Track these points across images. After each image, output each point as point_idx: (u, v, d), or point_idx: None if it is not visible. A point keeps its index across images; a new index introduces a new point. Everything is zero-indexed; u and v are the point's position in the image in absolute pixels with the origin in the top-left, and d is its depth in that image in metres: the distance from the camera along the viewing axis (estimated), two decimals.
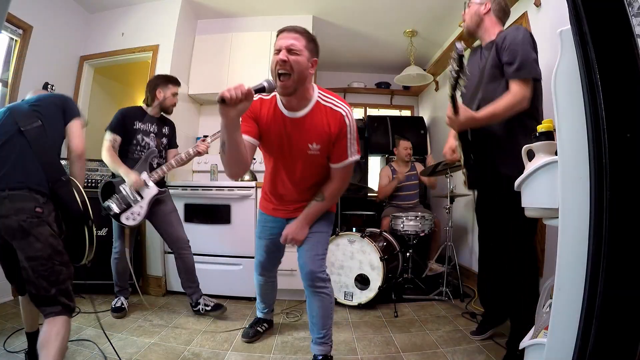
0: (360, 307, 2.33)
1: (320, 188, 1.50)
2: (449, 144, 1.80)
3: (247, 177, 2.85)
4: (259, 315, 1.95)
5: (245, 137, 1.33)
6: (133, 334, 1.87)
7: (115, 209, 2.00)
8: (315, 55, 1.33)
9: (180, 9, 2.90)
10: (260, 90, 1.14)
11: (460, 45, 1.24)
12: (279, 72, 1.24)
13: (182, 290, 2.52)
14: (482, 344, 1.76)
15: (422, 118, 4.21)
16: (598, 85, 0.62)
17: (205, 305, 2.16)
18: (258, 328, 1.90)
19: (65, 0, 2.81)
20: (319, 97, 1.37)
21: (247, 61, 3.08)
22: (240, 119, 1.23)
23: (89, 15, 3.04)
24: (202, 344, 1.79)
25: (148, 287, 2.57)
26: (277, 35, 1.32)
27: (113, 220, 2.07)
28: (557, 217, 0.77)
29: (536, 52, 1.44)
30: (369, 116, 4.13)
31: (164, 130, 2.26)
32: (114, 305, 2.14)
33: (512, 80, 1.42)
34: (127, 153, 2.11)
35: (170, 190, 2.57)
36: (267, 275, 1.81)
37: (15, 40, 2.44)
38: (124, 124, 2.10)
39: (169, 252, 2.58)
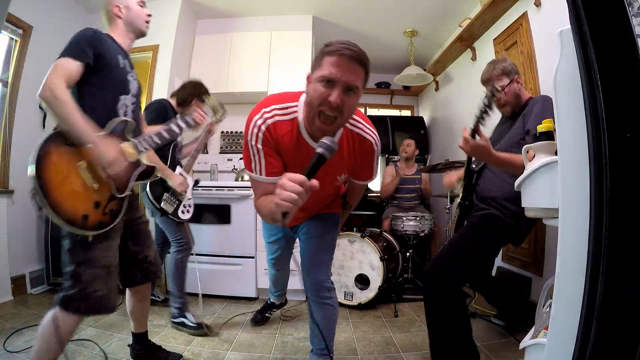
0: (360, 307, 2.33)
1: (345, 199, 1.50)
2: (450, 177, 1.84)
3: (247, 176, 2.85)
4: (272, 299, 2.05)
5: (275, 179, 1.02)
6: None
7: (169, 208, 1.96)
8: (364, 87, 1.06)
9: (180, 9, 2.90)
10: (319, 164, 0.86)
11: (499, 87, 1.30)
12: (325, 112, 0.98)
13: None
14: (482, 344, 1.76)
15: (422, 118, 4.21)
16: (598, 85, 0.62)
17: (191, 320, 1.99)
18: (267, 314, 2.05)
19: (65, 0, 2.81)
20: (347, 124, 1.16)
21: (247, 61, 3.08)
22: (265, 154, 1.08)
23: (89, 15, 3.04)
24: (202, 344, 1.79)
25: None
26: (331, 54, 0.97)
27: (164, 221, 2.02)
28: (557, 217, 0.77)
29: None
30: (369, 116, 4.12)
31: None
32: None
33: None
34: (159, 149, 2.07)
35: None
36: (280, 269, 1.84)
37: (15, 40, 2.44)
38: (166, 118, 1.92)
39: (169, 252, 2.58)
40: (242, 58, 3.09)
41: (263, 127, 1.06)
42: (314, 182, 0.84)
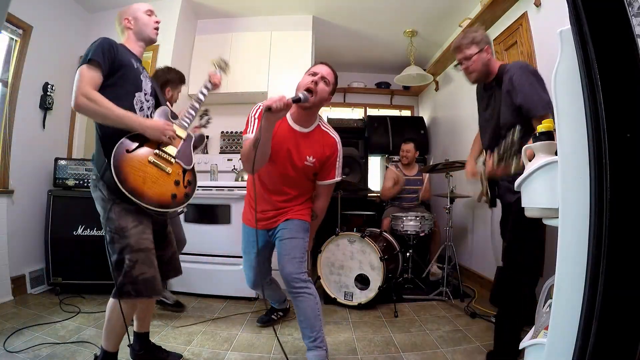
0: (360, 307, 2.33)
1: (312, 209, 1.71)
2: (470, 165, 1.83)
3: (247, 176, 2.85)
4: (272, 305, 2.10)
5: None
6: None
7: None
8: (334, 92, 1.60)
9: (180, 9, 2.90)
10: (297, 100, 1.37)
11: (518, 133, 1.28)
12: (309, 88, 1.46)
13: (182, 290, 2.54)
14: (482, 343, 1.76)
15: (422, 118, 4.21)
16: (598, 85, 0.62)
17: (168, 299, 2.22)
18: (272, 316, 2.09)
19: (65, 0, 2.81)
20: (319, 122, 1.63)
21: (247, 61, 3.08)
22: (258, 120, 1.46)
23: (89, 15, 3.04)
24: (202, 344, 1.79)
25: None
26: (315, 64, 1.60)
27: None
28: (557, 217, 0.77)
29: (542, 84, 1.46)
30: (369, 116, 4.13)
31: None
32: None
33: (534, 120, 1.43)
34: None
35: None
36: (263, 284, 1.90)
37: (15, 40, 2.44)
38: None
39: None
40: (242, 58, 3.09)
41: (261, 106, 1.44)
42: (290, 100, 1.31)
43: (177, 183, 1.37)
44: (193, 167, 1.49)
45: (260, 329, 2.00)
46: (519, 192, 1.40)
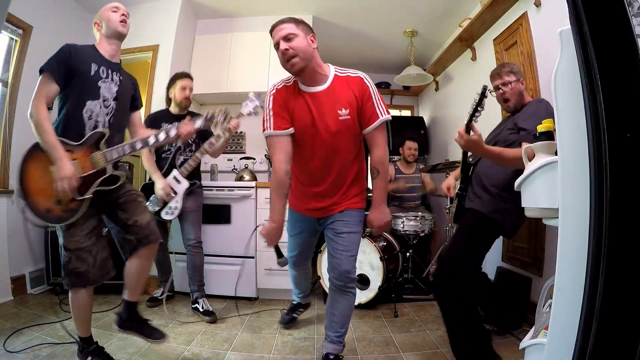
0: (360, 307, 2.33)
1: (372, 166, 1.53)
2: (447, 182, 1.89)
3: (247, 177, 2.85)
4: (296, 300, 2.06)
5: (283, 132, 1.41)
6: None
7: (153, 208, 2.14)
8: (310, 32, 1.41)
9: (180, 9, 2.90)
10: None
11: (489, 87, 1.41)
12: (287, 58, 1.35)
13: (182, 290, 2.54)
14: None
15: (422, 118, 4.21)
16: (598, 85, 0.62)
17: (203, 306, 2.19)
18: (294, 314, 2.07)
19: (65, 0, 2.81)
20: (336, 71, 1.45)
21: (247, 61, 3.08)
22: (274, 114, 1.43)
23: (89, 15, 3.03)
24: (202, 344, 1.79)
25: (149, 287, 2.57)
26: (271, 35, 1.43)
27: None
28: (557, 217, 0.77)
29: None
30: None
31: None
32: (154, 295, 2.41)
33: (523, 142, 1.45)
34: (158, 152, 2.26)
35: None
36: (300, 269, 1.87)
37: (15, 40, 2.44)
38: (153, 127, 2.07)
39: (170, 252, 2.58)
40: (242, 58, 3.09)
41: (273, 91, 1.46)
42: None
43: (58, 202, 1.35)
44: (86, 200, 1.40)
45: (260, 329, 2.00)
46: (479, 200, 1.56)
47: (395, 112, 4.61)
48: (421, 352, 1.71)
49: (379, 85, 4.41)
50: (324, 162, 1.47)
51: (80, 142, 1.39)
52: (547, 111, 1.48)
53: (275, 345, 1.80)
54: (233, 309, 2.31)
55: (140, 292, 1.58)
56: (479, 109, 1.41)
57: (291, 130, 1.42)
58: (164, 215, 2.15)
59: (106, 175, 1.43)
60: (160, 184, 2.11)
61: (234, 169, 3.13)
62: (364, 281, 2.35)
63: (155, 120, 2.19)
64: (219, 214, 2.53)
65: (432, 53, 3.88)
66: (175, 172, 2.18)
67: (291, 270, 1.88)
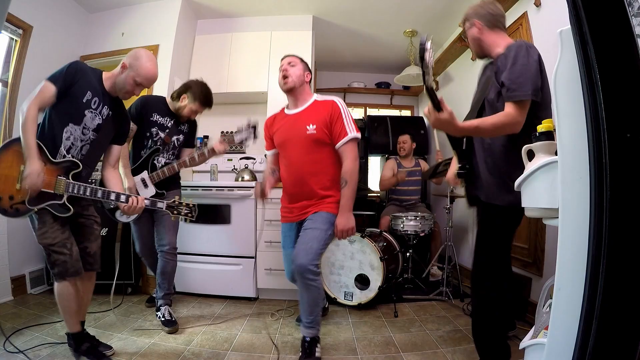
0: (360, 307, 2.33)
1: (341, 175, 1.68)
2: (451, 171, 1.71)
3: (247, 177, 2.85)
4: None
5: (272, 151, 1.90)
6: (133, 334, 1.87)
7: (107, 204, 1.92)
8: (308, 70, 1.80)
9: (180, 9, 2.90)
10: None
11: (423, 38, 1.14)
12: (283, 75, 1.72)
13: (182, 290, 2.54)
14: None
15: (422, 118, 4.21)
16: (598, 85, 0.62)
17: (165, 315, 2.01)
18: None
19: (65, 0, 2.81)
20: (316, 98, 1.77)
21: (247, 61, 3.08)
22: (265, 139, 1.93)
23: (89, 15, 3.04)
24: (202, 344, 1.79)
25: (148, 287, 2.57)
26: (281, 62, 1.79)
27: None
28: (557, 217, 0.77)
29: (538, 67, 1.28)
30: (369, 116, 4.13)
31: (181, 127, 2.16)
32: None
33: (506, 102, 1.28)
34: (138, 145, 2.05)
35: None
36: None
37: (15, 40, 2.44)
38: (141, 114, 2.02)
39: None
40: (242, 58, 3.09)
41: (266, 120, 1.93)
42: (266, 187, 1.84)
43: (10, 198, 1.39)
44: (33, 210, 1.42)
45: (260, 329, 2.00)
46: (495, 192, 1.36)
47: (395, 112, 4.62)
48: (421, 352, 1.71)
49: (379, 85, 4.42)
50: (297, 170, 1.71)
51: (56, 161, 1.45)
52: (527, 56, 1.27)
53: (275, 345, 1.80)
54: (233, 309, 2.31)
55: (85, 310, 1.64)
56: (425, 70, 1.15)
57: (275, 150, 1.87)
58: (119, 216, 1.97)
59: (59, 202, 1.46)
60: (126, 185, 1.90)
61: (234, 169, 3.13)
62: (364, 281, 2.35)
63: (150, 107, 2.05)
64: (219, 214, 2.53)
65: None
66: (145, 175, 2.01)
67: (291, 281, 1.91)
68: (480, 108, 1.45)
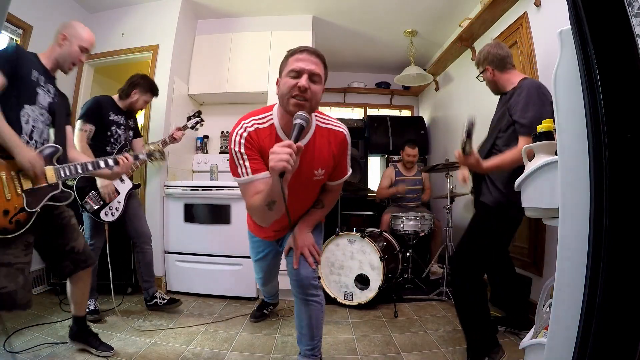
0: (360, 307, 2.33)
1: (319, 197, 1.47)
2: (462, 172, 1.89)
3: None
4: (266, 299, 2.16)
5: (262, 174, 1.18)
6: (133, 334, 1.87)
7: (91, 206, 1.98)
8: (325, 82, 1.26)
9: (180, 9, 2.90)
10: (300, 133, 1.07)
11: (470, 119, 1.43)
12: (296, 99, 1.13)
13: (182, 290, 2.54)
14: None
15: (422, 118, 4.21)
16: (598, 85, 0.62)
17: (162, 299, 2.19)
18: (264, 311, 2.15)
19: (65, 0, 2.81)
20: (317, 120, 1.30)
21: (247, 61, 3.08)
22: (248, 157, 1.19)
23: (89, 15, 3.04)
24: (202, 344, 1.79)
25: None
26: (294, 54, 1.18)
27: (87, 217, 2.04)
28: (557, 217, 0.77)
29: (547, 102, 1.45)
30: (369, 116, 4.13)
31: (130, 122, 2.24)
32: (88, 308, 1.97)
33: (520, 136, 1.48)
34: (100, 145, 2.04)
35: (170, 190, 2.58)
36: (268, 286, 1.99)
37: (15, 40, 2.43)
38: (100, 114, 2.03)
39: (170, 252, 2.58)
40: (242, 58, 3.09)
41: (245, 134, 1.20)
42: (300, 144, 1.02)
43: (5, 212, 1.24)
44: (35, 213, 1.33)
45: (260, 329, 2.00)
46: (493, 195, 1.58)
47: (395, 112, 4.62)
48: (421, 352, 1.71)
49: (379, 85, 4.42)
50: (294, 213, 1.41)
51: (39, 150, 1.36)
52: (539, 97, 1.47)
53: (275, 345, 1.80)
54: (233, 309, 2.31)
55: (85, 305, 1.67)
56: (467, 142, 1.46)
57: (267, 174, 1.14)
58: (104, 216, 1.99)
59: (59, 191, 1.39)
60: (104, 182, 1.94)
61: None
62: (364, 281, 2.35)
63: (102, 108, 2.05)
64: (219, 214, 2.53)
65: (432, 53, 3.88)
66: None
67: (261, 287, 2.01)
68: (495, 135, 1.66)
